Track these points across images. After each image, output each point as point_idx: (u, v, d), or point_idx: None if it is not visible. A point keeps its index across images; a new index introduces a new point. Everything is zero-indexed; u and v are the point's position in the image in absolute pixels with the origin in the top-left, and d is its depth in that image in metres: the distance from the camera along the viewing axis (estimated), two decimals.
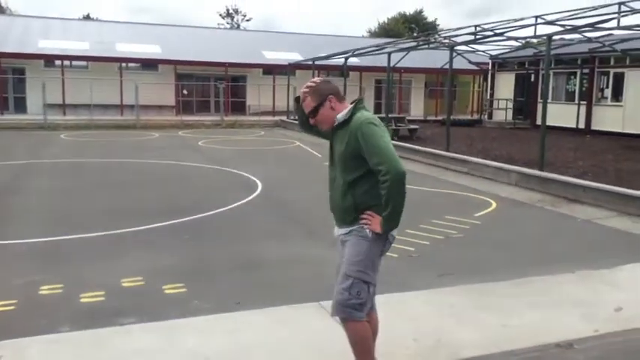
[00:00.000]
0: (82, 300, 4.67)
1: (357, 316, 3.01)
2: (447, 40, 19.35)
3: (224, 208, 8.17)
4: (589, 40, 18.62)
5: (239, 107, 29.31)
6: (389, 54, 17.94)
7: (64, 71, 26.21)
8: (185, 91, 28.73)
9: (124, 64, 27.81)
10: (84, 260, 5.75)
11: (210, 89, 29.36)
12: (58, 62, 26.84)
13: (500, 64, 26.93)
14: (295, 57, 28.91)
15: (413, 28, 54.52)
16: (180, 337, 3.94)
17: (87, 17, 53.15)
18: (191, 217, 7.51)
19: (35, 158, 13.41)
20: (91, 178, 10.99)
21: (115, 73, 27.12)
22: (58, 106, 25.21)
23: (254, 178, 10.83)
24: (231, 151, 15.97)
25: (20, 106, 26.14)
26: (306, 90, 3.17)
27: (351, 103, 3.13)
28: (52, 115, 22.86)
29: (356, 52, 21.19)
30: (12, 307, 4.47)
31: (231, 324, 4.19)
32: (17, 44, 26.03)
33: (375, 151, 2.89)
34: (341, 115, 3.09)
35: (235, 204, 8.51)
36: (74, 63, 27.60)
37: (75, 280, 5.09)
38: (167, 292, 4.95)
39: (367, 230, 3.00)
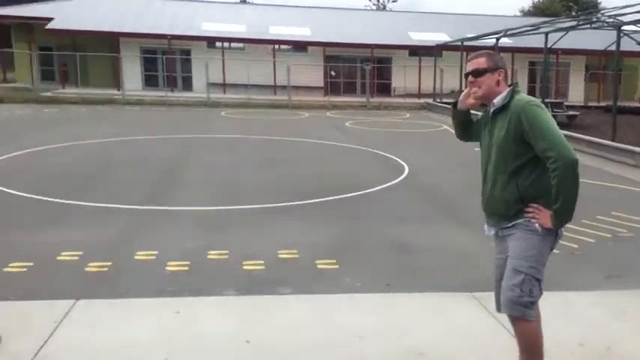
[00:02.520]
0: (245, 267, 5.02)
1: (529, 314, 2.84)
2: (612, 20, 17.51)
3: (372, 189, 8.25)
4: None
5: (384, 89, 29.30)
6: (546, 34, 16.71)
7: (223, 52, 28.09)
8: (333, 73, 29.35)
9: (276, 46, 29.07)
10: (246, 230, 6.15)
11: (357, 71, 29.66)
12: (218, 44, 28.82)
13: None
14: (442, 38, 28.10)
15: (571, 6, 50.15)
16: (334, 312, 4.07)
17: (243, 1, 56.21)
18: (341, 196, 7.70)
19: (201, 133, 14.64)
20: (249, 153, 11.71)
21: (269, 54, 28.47)
22: (219, 85, 27.15)
23: (401, 161, 10.78)
24: (377, 133, 16.03)
25: (187, 84, 28.59)
26: (484, 52, 2.99)
27: (508, 86, 2.93)
28: (213, 93, 24.69)
29: (508, 32, 20.03)
30: (186, 268, 4.94)
31: (382, 305, 4.23)
32: (184, 27, 28.35)
33: (543, 135, 2.68)
34: (499, 99, 2.88)
35: (383, 185, 8.55)
36: (232, 45, 29.45)
37: (238, 248, 5.47)
38: (320, 266, 5.13)
39: (536, 224, 2.81)
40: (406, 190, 8.51)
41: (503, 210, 2.90)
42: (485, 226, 3.08)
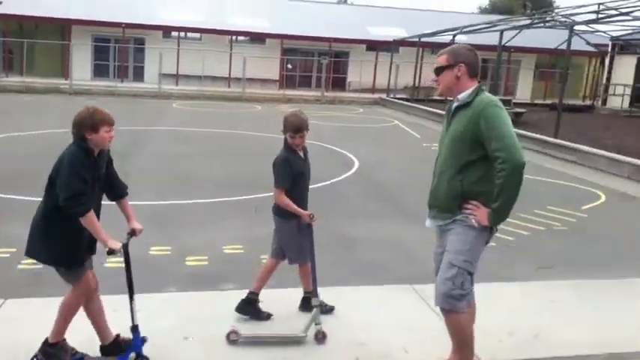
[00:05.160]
0: (188, 263, 5.01)
1: (459, 307, 2.96)
2: (565, 19, 18.15)
3: (321, 184, 8.31)
4: None
5: (339, 83, 29.42)
6: (501, 32, 17.16)
7: (179, 42, 27.59)
8: (290, 66, 29.27)
9: (234, 38, 28.76)
10: (191, 225, 6.13)
11: (314, 64, 29.68)
12: (174, 34, 28.28)
13: (622, 46, 24.87)
14: (400, 33, 28.39)
15: (526, 5, 51.51)
16: (277, 307, 4.11)
17: None
18: None
19: (151, 125, 14.37)
20: (199, 146, 11.60)
21: (226, 45, 28.14)
22: (172, 76, 26.66)
23: (351, 156, 10.91)
24: (330, 128, 16.12)
25: (138, 74, 27.95)
26: (447, 49, 3.05)
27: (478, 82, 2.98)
28: (165, 84, 24.24)
29: (465, 30, 20.45)
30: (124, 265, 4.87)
31: (326, 298, 4.27)
32: (140, 15, 27.65)
33: (496, 136, 2.76)
34: (463, 96, 2.95)
35: (332, 180, 8.64)
36: (188, 35, 28.95)
37: (182, 244, 5.45)
38: (265, 261, 5.15)
39: (473, 221, 2.91)
40: (355, 184, 8.63)
41: (445, 203, 3.00)
42: (427, 218, 3.17)
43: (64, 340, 3.19)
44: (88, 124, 2.93)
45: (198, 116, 17.35)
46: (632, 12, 15.20)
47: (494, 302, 4.24)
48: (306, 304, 3.96)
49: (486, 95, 2.92)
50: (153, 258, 5.06)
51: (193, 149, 11.23)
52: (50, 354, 3.14)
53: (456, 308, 2.96)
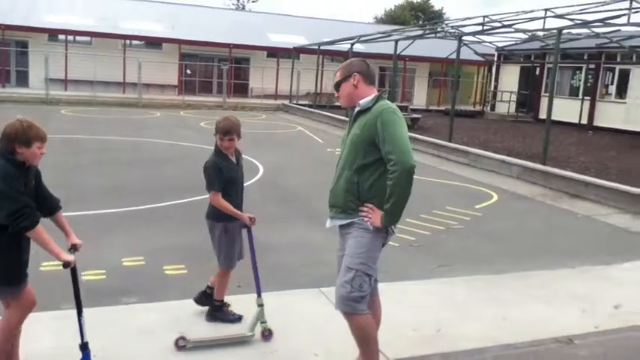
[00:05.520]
0: (85, 278, 4.68)
1: (359, 309, 3.00)
2: (454, 30, 19.23)
3: None
4: (597, 35, 18.50)
5: (242, 89, 29.17)
6: (396, 41, 17.83)
7: (67, 46, 26.03)
8: (189, 71, 28.57)
9: (127, 42, 27.62)
10: (84, 238, 5.70)
11: (214, 70, 29.21)
12: (62, 37, 26.64)
13: (506, 56, 26.80)
14: (301, 41, 28.71)
15: (419, 16, 54.14)
16: (185, 318, 3.96)
17: None
18: (190, 199, 7.50)
19: None
20: (90, 155, 10.96)
21: (119, 50, 26.92)
22: (60, 81, 25.06)
23: (255, 162, 10.81)
24: None
25: (22, 79, 25.99)
26: (340, 66, 3.19)
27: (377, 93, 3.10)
28: (53, 90, 22.73)
29: (362, 39, 21.05)
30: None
31: (234, 307, 4.19)
32: (22, 17, 25.79)
33: (389, 140, 2.86)
34: (364, 101, 3.05)
35: None
36: (78, 38, 27.40)
37: (77, 258, 5.07)
38: (167, 272, 4.97)
39: (368, 223, 2.97)
40: (259, 190, 8.55)
41: (342, 204, 3.05)
42: (327, 219, 3.20)
43: None
44: (21, 139, 2.84)
45: (89, 123, 16.41)
46: (513, 24, 16.41)
47: (398, 300, 4.36)
48: (202, 299, 4.05)
49: (385, 102, 3.04)
50: (45, 274, 4.68)
51: (81, 157, 10.56)
52: None
53: (356, 310, 3.00)
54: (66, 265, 2.88)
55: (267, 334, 3.72)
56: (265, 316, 3.74)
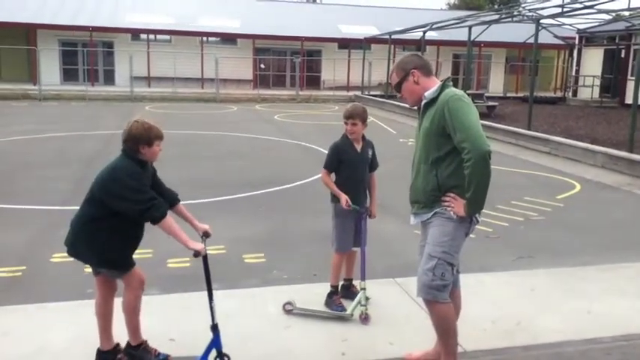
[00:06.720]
0: (170, 265, 4.96)
1: (440, 297, 3.00)
2: (531, 13, 18.46)
3: (298, 182, 8.32)
4: None
5: (314, 82, 29.44)
6: (470, 27, 17.37)
7: (149, 45, 27.26)
8: (262, 65, 29.17)
9: (204, 38, 28.54)
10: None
11: (287, 63, 29.64)
12: (143, 36, 27.93)
13: (588, 38, 25.38)
14: (372, 31, 28.54)
15: (494, 0, 52.26)
16: (262, 305, 4.11)
17: None
18: (268, 190, 7.73)
19: (122, 128, 14.10)
20: (173, 149, 11.47)
21: (197, 47, 27.91)
22: (144, 79, 26.34)
23: None
24: (306, 126, 16.13)
25: (109, 78, 27.53)
26: (394, 67, 3.18)
27: (441, 82, 3.08)
28: (137, 87, 23.93)
29: (435, 26, 20.64)
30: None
31: (310, 295, 4.30)
32: (107, 18, 27.27)
33: (460, 127, 2.83)
34: (429, 93, 3.04)
35: (309, 179, 8.63)
36: (158, 37, 28.63)
37: (163, 247, 5.37)
38: (247, 261, 5.16)
39: (451, 212, 2.96)
40: None
41: (423, 198, 3.06)
42: (411, 215, 3.21)
43: (146, 341, 3.29)
44: (144, 139, 3.19)
45: (171, 118, 17.13)
46: (595, 5, 15.53)
47: (476, 292, 4.31)
48: (345, 291, 4.20)
49: (451, 89, 3.00)
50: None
51: (167, 151, 11.02)
52: (134, 356, 3.25)
53: (438, 299, 3.00)
54: (196, 254, 3.03)
55: (363, 317, 3.84)
56: (366, 301, 3.88)
